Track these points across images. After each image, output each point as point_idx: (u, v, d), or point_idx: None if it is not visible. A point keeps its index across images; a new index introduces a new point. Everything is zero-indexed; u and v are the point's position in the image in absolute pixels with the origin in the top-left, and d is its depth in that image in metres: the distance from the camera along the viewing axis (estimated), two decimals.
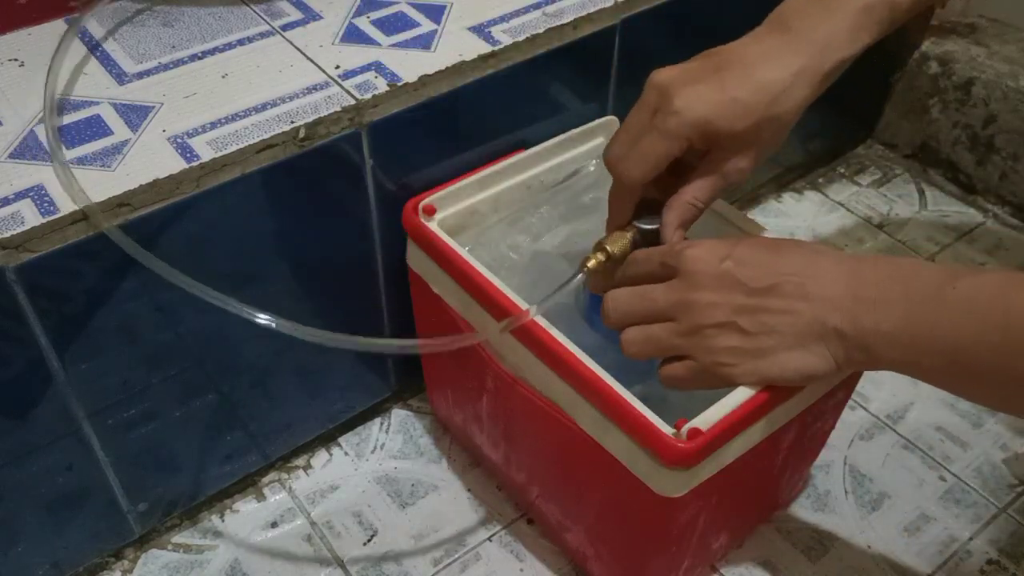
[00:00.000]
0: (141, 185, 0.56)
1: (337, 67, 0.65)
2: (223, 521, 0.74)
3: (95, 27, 0.68)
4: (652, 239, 0.57)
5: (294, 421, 0.76)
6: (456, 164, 0.70)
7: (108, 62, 0.65)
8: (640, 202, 0.57)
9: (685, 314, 0.52)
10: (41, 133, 0.59)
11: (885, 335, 0.48)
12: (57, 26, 0.68)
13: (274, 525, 0.74)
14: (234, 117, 0.61)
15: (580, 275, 0.57)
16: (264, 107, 0.62)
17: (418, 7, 0.72)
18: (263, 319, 0.51)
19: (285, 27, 0.69)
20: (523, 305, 0.59)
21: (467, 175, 0.67)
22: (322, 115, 0.61)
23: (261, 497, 0.76)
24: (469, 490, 0.76)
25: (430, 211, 0.65)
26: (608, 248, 0.57)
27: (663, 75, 0.54)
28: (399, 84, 0.64)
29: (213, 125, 0.60)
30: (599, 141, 0.73)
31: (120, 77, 0.64)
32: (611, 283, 0.58)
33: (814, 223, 1.02)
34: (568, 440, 0.58)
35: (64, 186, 0.55)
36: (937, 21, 1.06)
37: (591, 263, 0.57)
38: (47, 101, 0.60)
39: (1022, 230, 1.02)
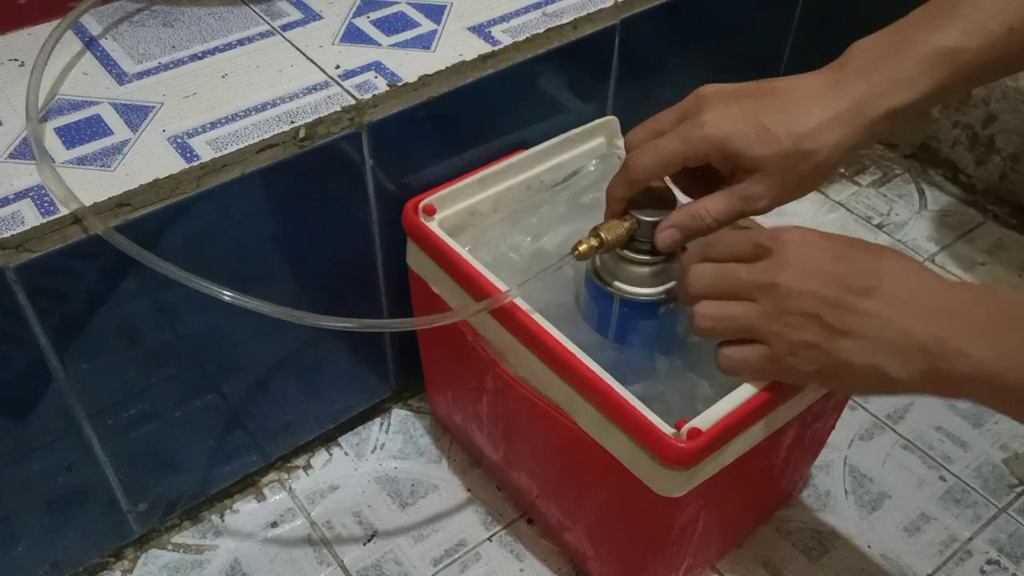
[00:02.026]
0: (141, 185, 0.56)
1: (337, 67, 0.65)
2: (223, 521, 0.74)
3: (95, 27, 0.68)
4: (650, 232, 0.57)
5: (294, 421, 0.76)
6: (456, 164, 0.70)
7: (108, 62, 0.65)
8: (649, 196, 0.57)
9: (770, 296, 0.51)
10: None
11: (971, 355, 0.46)
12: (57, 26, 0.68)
13: (274, 525, 0.74)
14: (234, 117, 0.61)
15: (568, 257, 0.57)
16: (264, 107, 0.62)
17: (418, 7, 0.72)
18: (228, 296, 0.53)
19: (285, 27, 0.69)
20: (504, 287, 0.59)
21: (467, 175, 0.67)
22: (322, 115, 0.61)
23: (261, 497, 0.76)
24: (469, 490, 0.76)
25: (430, 211, 0.65)
26: (602, 235, 0.57)
27: (707, 88, 0.55)
28: (399, 84, 0.64)
29: (213, 125, 0.60)
30: (599, 141, 0.73)
31: (120, 77, 0.64)
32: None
33: (814, 223, 1.02)
34: (568, 440, 0.58)
35: (55, 191, 0.55)
36: None
37: (582, 247, 0.57)
38: (29, 105, 0.59)
39: (1022, 230, 1.02)
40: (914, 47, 0.52)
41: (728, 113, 0.53)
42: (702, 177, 0.57)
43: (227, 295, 0.53)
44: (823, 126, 0.52)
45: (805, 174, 0.54)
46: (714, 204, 0.55)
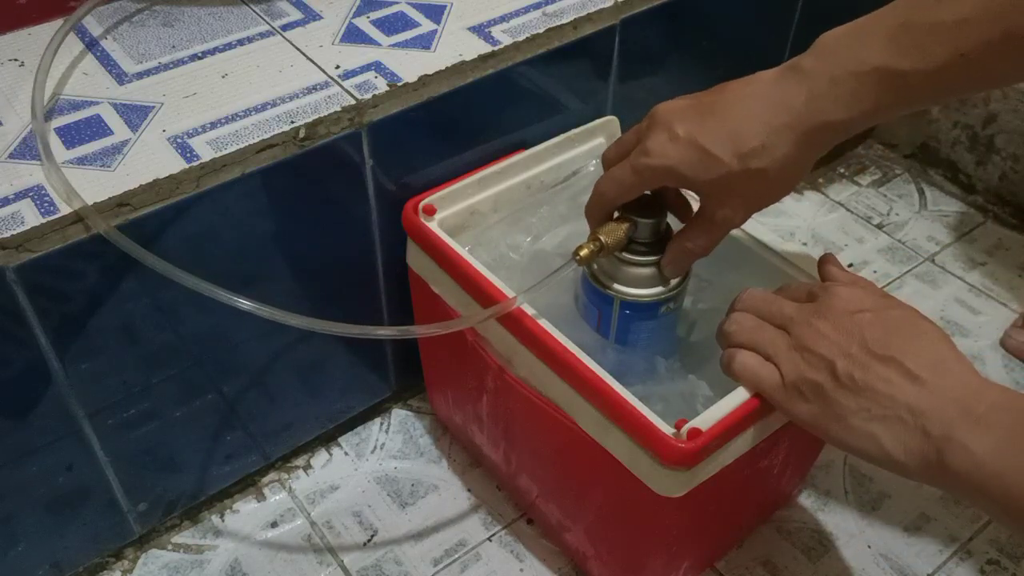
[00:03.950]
0: (141, 185, 0.56)
1: (337, 67, 0.65)
2: (223, 521, 0.74)
3: (95, 27, 0.68)
4: (647, 232, 0.58)
5: (294, 421, 0.76)
6: (456, 164, 0.70)
7: (108, 62, 0.65)
8: (640, 198, 0.58)
9: (798, 330, 0.52)
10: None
11: (971, 451, 0.45)
12: (57, 26, 0.68)
13: (274, 525, 0.74)
14: (234, 117, 0.61)
15: (571, 263, 0.57)
16: (264, 107, 0.62)
17: (418, 7, 0.72)
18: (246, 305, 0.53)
19: (285, 27, 0.69)
20: (508, 292, 0.59)
21: (467, 175, 0.67)
22: (322, 115, 0.61)
23: (261, 497, 0.76)
24: (469, 490, 0.76)
25: (430, 211, 0.65)
26: (602, 238, 0.57)
27: (659, 108, 0.55)
28: (399, 84, 0.64)
29: (213, 125, 0.60)
30: (599, 141, 0.73)
31: (120, 77, 0.64)
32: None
33: (814, 223, 1.02)
34: (568, 440, 0.58)
35: (58, 189, 0.55)
36: None
37: (583, 252, 0.57)
38: (35, 105, 0.60)
39: (1022, 230, 1.02)
40: (859, 62, 0.50)
41: (671, 139, 0.53)
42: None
43: (245, 304, 0.52)
44: (767, 143, 0.51)
45: (763, 189, 0.54)
46: (698, 239, 0.57)
